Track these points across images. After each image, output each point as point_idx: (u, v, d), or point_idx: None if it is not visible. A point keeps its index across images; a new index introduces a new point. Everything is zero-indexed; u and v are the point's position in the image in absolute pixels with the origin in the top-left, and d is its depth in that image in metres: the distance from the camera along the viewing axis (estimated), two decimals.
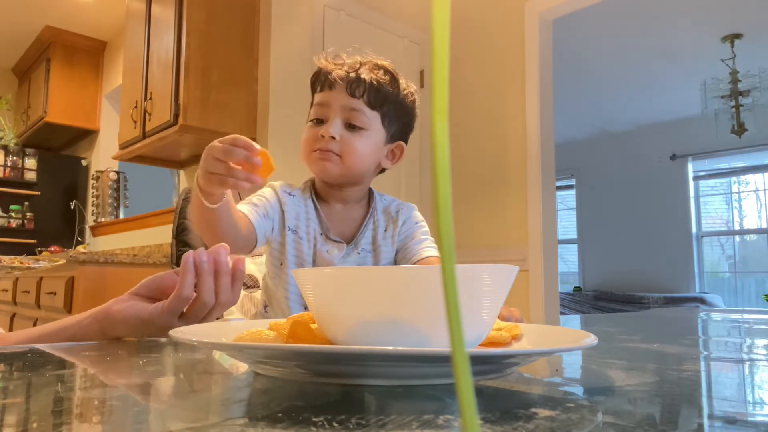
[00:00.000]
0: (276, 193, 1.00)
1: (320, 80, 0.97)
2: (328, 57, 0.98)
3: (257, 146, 0.76)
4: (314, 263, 0.99)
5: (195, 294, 0.64)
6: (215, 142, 0.77)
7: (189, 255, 0.63)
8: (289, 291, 0.99)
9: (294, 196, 1.01)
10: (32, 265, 3.12)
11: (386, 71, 0.97)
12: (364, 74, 0.94)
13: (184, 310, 0.65)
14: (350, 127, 0.94)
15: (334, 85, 0.95)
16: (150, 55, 2.87)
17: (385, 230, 1.04)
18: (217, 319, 1.09)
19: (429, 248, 1.03)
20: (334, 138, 0.93)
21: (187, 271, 0.62)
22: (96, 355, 0.57)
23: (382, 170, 1.05)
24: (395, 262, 1.05)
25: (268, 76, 2.72)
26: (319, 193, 1.03)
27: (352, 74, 0.94)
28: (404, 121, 1.01)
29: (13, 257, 3.51)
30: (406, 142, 1.04)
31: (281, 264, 0.99)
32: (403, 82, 0.99)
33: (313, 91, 1.00)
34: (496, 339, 0.46)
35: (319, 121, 0.96)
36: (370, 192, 1.07)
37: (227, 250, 0.66)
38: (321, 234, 1.00)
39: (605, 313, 5.17)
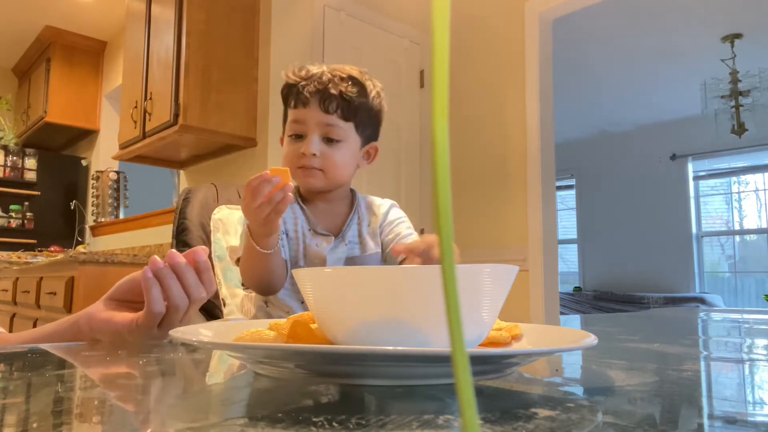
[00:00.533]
0: None
1: (292, 96, 1.01)
2: (296, 71, 1.02)
3: (265, 173, 0.83)
4: (305, 257, 1.03)
5: (166, 302, 0.63)
6: (246, 201, 0.85)
7: (146, 270, 0.62)
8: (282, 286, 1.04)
9: None
10: (30, 260, 3.11)
11: (354, 81, 1.01)
12: (334, 89, 0.99)
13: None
14: (328, 140, 1.00)
15: (308, 102, 0.99)
16: (150, 55, 2.87)
17: (369, 225, 1.09)
18: (208, 318, 1.10)
19: None
20: (314, 155, 0.99)
21: (151, 286, 0.61)
22: (96, 355, 0.57)
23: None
24: (383, 259, 1.09)
25: (268, 76, 2.72)
26: (304, 196, 1.09)
27: (323, 90, 0.99)
28: (375, 123, 1.07)
29: (11, 252, 3.51)
30: (377, 139, 1.10)
31: None
32: (369, 85, 1.04)
33: (287, 105, 1.04)
34: (496, 339, 0.46)
35: (298, 137, 1.01)
36: (353, 192, 1.13)
37: (200, 252, 0.65)
38: (309, 230, 1.05)
39: (605, 313, 5.17)
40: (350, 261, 1.05)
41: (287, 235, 1.03)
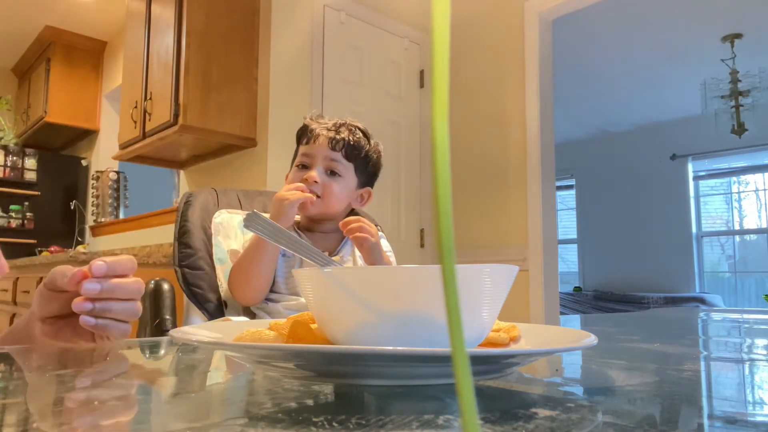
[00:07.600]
0: None
1: (306, 135, 1.18)
2: (314, 117, 1.20)
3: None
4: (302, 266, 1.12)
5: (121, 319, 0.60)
6: (282, 190, 1.09)
7: (86, 320, 0.57)
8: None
9: None
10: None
11: (361, 132, 1.19)
12: (344, 133, 1.16)
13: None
14: (330, 173, 1.16)
15: (319, 139, 1.16)
16: (150, 55, 2.86)
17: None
18: (209, 318, 1.12)
19: None
20: (317, 182, 1.13)
21: (106, 327, 0.58)
22: (96, 355, 0.57)
23: (352, 210, 1.25)
24: None
25: (268, 76, 2.72)
26: (302, 225, 1.23)
27: (334, 132, 1.16)
28: (372, 171, 1.23)
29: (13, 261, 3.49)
30: (372, 187, 1.25)
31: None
32: (373, 142, 1.22)
33: (299, 143, 1.21)
34: (495, 340, 0.46)
35: (304, 167, 1.17)
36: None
37: (92, 267, 0.59)
38: None
39: (605, 313, 5.17)
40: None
41: (285, 255, 1.15)
